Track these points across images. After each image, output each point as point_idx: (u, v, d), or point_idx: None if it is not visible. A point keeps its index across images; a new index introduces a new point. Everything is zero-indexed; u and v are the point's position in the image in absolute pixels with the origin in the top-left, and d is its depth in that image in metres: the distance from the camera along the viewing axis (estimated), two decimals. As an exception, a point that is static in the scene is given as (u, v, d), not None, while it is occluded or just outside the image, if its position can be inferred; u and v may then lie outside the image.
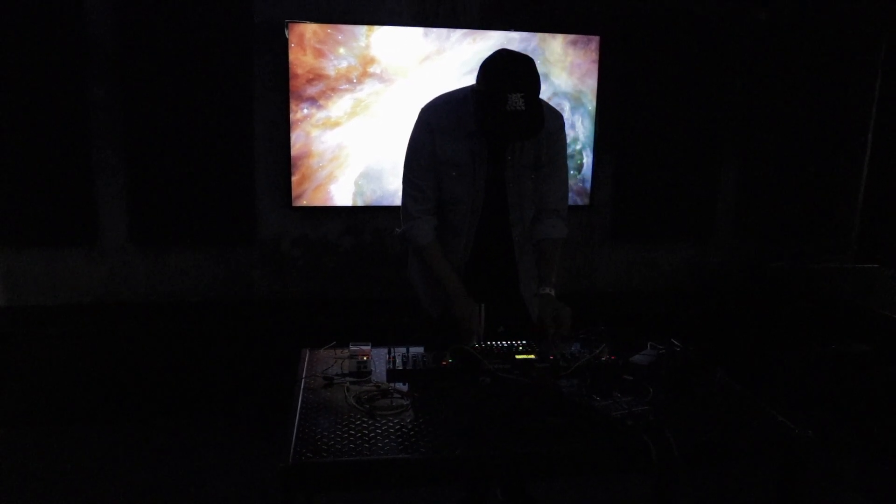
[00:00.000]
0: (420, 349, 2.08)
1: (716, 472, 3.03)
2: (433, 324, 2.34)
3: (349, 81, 3.61)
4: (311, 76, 3.56)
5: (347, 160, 3.69)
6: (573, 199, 3.89)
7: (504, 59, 2.02)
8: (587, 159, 3.94)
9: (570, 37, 3.77)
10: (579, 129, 3.88)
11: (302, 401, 1.81)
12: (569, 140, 2.65)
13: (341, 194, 3.72)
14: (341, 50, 3.57)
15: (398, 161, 3.64)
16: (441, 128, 2.15)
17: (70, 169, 3.53)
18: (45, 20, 3.37)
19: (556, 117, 2.26)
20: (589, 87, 3.84)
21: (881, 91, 4.20)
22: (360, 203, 3.74)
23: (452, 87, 3.56)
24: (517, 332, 2.23)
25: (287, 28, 3.49)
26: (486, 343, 2.12)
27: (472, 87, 2.14)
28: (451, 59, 3.66)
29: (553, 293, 2.23)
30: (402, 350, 2.06)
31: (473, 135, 2.13)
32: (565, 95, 3.81)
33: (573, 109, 3.84)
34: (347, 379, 1.93)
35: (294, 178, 3.65)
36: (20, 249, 3.61)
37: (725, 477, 3.02)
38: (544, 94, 2.36)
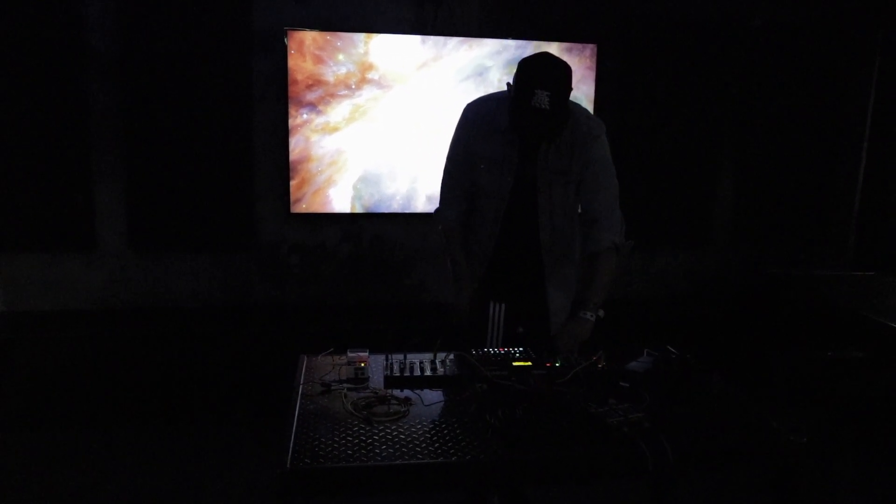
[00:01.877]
0: (417, 356, 2.09)
1: (713, 478, 3.03)
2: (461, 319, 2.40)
3: (348, 87, 3.63)
4: (310, 82, 3.58)
5: (346, 164, 3.70)
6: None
7: (541, 59, 2.10)
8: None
9: (565, 44, 3.79)
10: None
11: (300, 407, 1.82)
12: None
13: (340, 198, 3.73)
14: (340, 56, 3.59)
15: (396, 165, 3.73)
16: (477, 123, 2.26)
17: (69, 174, 3.54)
18: (45, 25, 3.38)
19: (594, 125, 2.28)
20: (584, 94, 3.86)
21: (877, 98, 4.22)
22: (358, 206, 3.76)
23: (450, 92, 3.69)
24: (536, 335, 2.25)
25: (286, 35, 3.51)
26: (487, 349, 2.14)
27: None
28: (448, 65, 3.69)
29: (591, 317, 2.23)
30: (400, 357, 2.07)
31: (506, 132, 2.20)
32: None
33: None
34: (345, 385, 1.94)
35: (294, 183, 3.67)
36: (19, 254, 3.61)
37: (722, 482, 3.02)
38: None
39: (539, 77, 2.01)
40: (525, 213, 2.28)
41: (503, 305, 2.21)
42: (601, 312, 2.24)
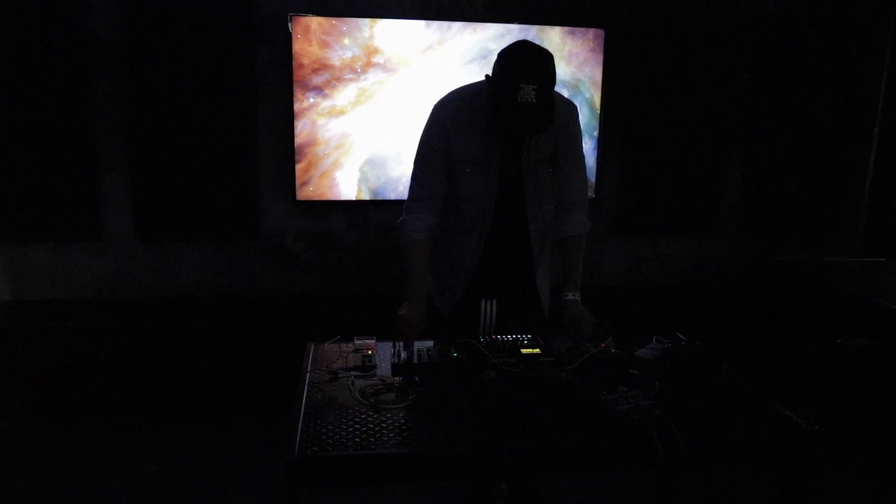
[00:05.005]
0: (425, 343, 2.07)
1: (720, 467, 3.03)
2: (443, 321, 2.33)
3: (353, 71, 3.60)
4: (316, 66, 3.56)
5: (352, 148, 3.69)
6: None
7: (522, 50, 1.98)
8: (588, 146, 3.92)
9: (568, 27, 3.74)
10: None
11: (307, 395, 1.81)
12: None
13: (347, 181, 3.72)
14: (346, 40, 3.56)
15: (402, 148, 3.70)
16: (455, 125, 2.12)
17: (75, 163, 3.52)
18: (49, 15, 3.35)
19: (570, 108, 2.23)
20: (587, 76, 3.83)
21: (888, 84, 4.16)
22: (364, 189, 3.74)
23: (454, 75, 3.65)
24: (528, 326, 2.23)
25: (290, 21, 3.48)
26: (491, 337, 2.12)
27: (484, 80, 2.10)
28: (452, 48, 3.66)
29: (578, 297, 2.23)
30: (407, 344, 2.05)
31: (488, 131, 2.10)
32: (564, 84, 3.79)
33: (572, 98, 3.80)
34: (352, 373, 1.93)
35: (300, 166, 3.65)
36: (25, 244, 3.60)
37: (730, 472, 3.02)
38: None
39: (523, 71, 1.91)
40: (512, 208, 2.20)
41: (494, 301, 2.14)
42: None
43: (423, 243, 2.19)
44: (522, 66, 1.93)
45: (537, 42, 3.66)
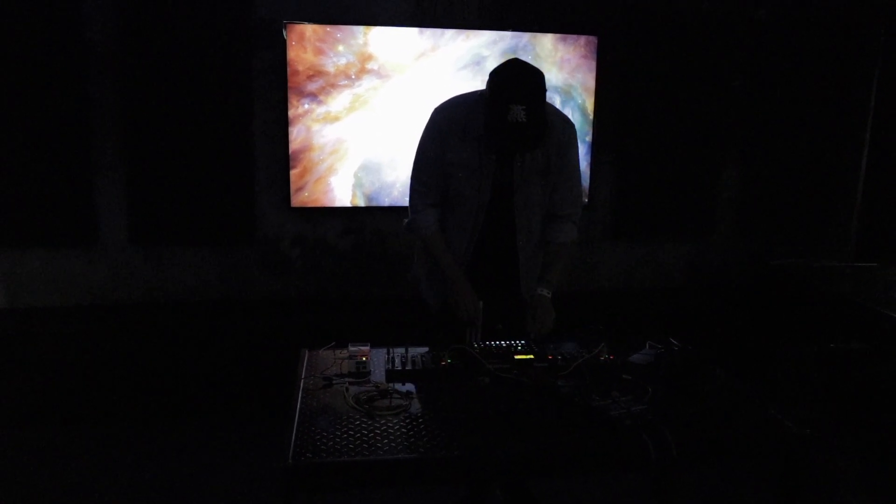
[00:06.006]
0: (419, 349, 2.08)
1: (714, 472, 3.03)
2: (433, 316, 2.39)
3: (348, 77, 3.62)
4: (311, 73, 3.57)
5: (347, 153, 3.70)
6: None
7: (512, 70, 2.03)
8: (581, 151, 3.92)
9: (561, 34, 3.77)
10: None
11: (301, 401, 1.81)
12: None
13: (341, 186, 3.73)
14: (340, 47, 3.57)
15: (396, 154, 3.72)
16: (451, 130, 2.18)
17: (70, 169, 3.52)
18: (44, 19, 3.36)
19: (567, 127, 2.27)
20: (578, 82, 3.85)
21: (879, 89, 4.19)
22: (359, 195, 3.75)
23: (447, 82, 3.68)
24: (514, 330, 2.25)
25: (285, 28, 3.49)
26: (484, 342, 2.13)
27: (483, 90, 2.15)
28: (445, 55, 3.67)
29: (548, 294, 2.30)
30: (402, 350, 2.06)
31: (482, 138, 2.14)
32: (556, 90, 3.81)
33: (564, 103, 3.85)
34: (346, 379, 1.93)
35: (295, 171, 3.66)
36: (20, 250, 3.60)
37: (724, 476, 3.02)
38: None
39: (512, 91, 1.96)
40: (501, 216, 2.26)
41: (481, 304, 2.20)
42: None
43: (439, 234, 2.30)
44: (512, 86, 1.98)
45: (529, 48, 3.74)
